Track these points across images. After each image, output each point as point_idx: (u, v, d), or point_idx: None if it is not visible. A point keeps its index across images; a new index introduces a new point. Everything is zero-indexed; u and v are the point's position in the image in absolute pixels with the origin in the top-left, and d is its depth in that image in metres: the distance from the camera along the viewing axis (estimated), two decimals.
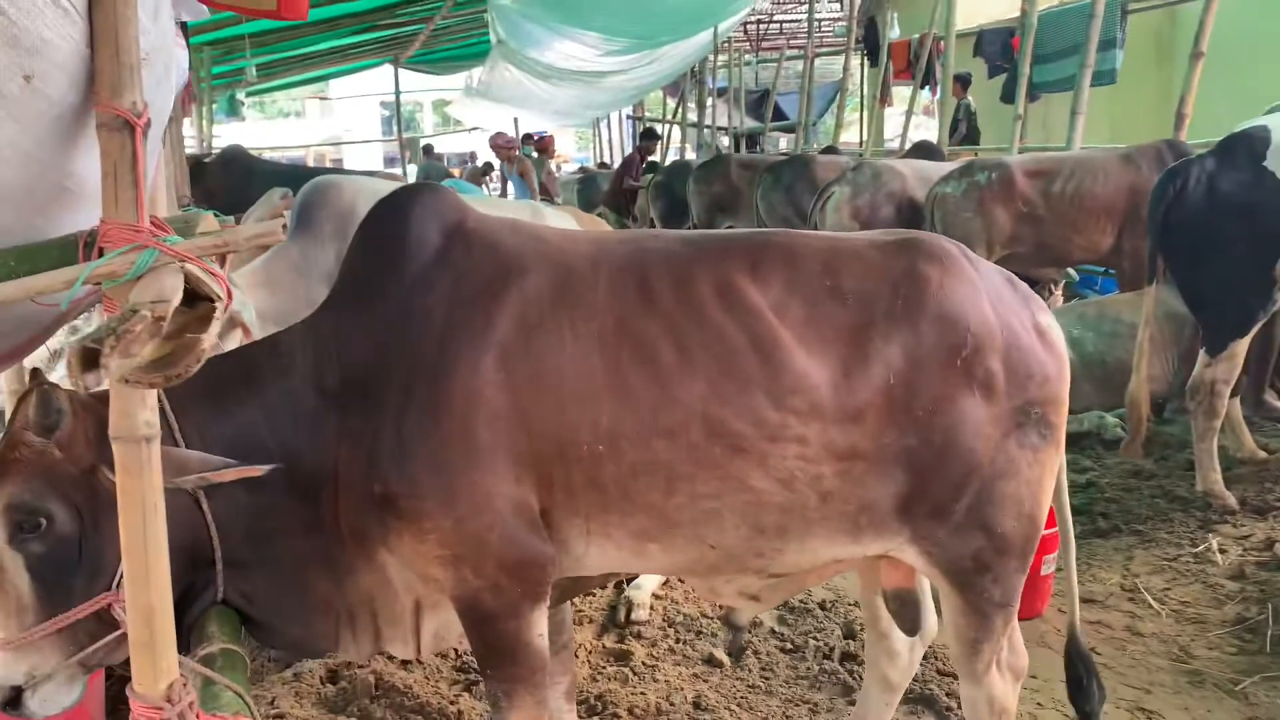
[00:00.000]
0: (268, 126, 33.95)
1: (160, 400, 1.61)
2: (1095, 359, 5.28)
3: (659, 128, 16.95)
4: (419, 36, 14.34)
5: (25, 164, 1.24)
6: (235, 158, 7.79)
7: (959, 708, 2.85)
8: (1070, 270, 6.87)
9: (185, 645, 1.68)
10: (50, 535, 1.65)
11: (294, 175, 6.50)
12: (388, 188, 3.80)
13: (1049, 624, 3.57)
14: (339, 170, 8.30)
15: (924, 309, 1.95)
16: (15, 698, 1.63)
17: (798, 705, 2.83)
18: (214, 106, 14.71)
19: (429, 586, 1.92)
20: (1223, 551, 3.86)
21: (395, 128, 20.36)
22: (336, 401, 1.86)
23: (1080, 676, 2.41)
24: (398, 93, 18.30)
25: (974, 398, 1.95)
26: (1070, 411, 5.35)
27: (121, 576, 1.53)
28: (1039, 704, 3.00)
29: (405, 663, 2.86)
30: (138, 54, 1.21)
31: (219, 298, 1.18)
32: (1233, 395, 4.39)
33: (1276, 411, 5.14)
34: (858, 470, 1.94)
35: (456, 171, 17.77)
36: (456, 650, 3.00)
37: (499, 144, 11.57)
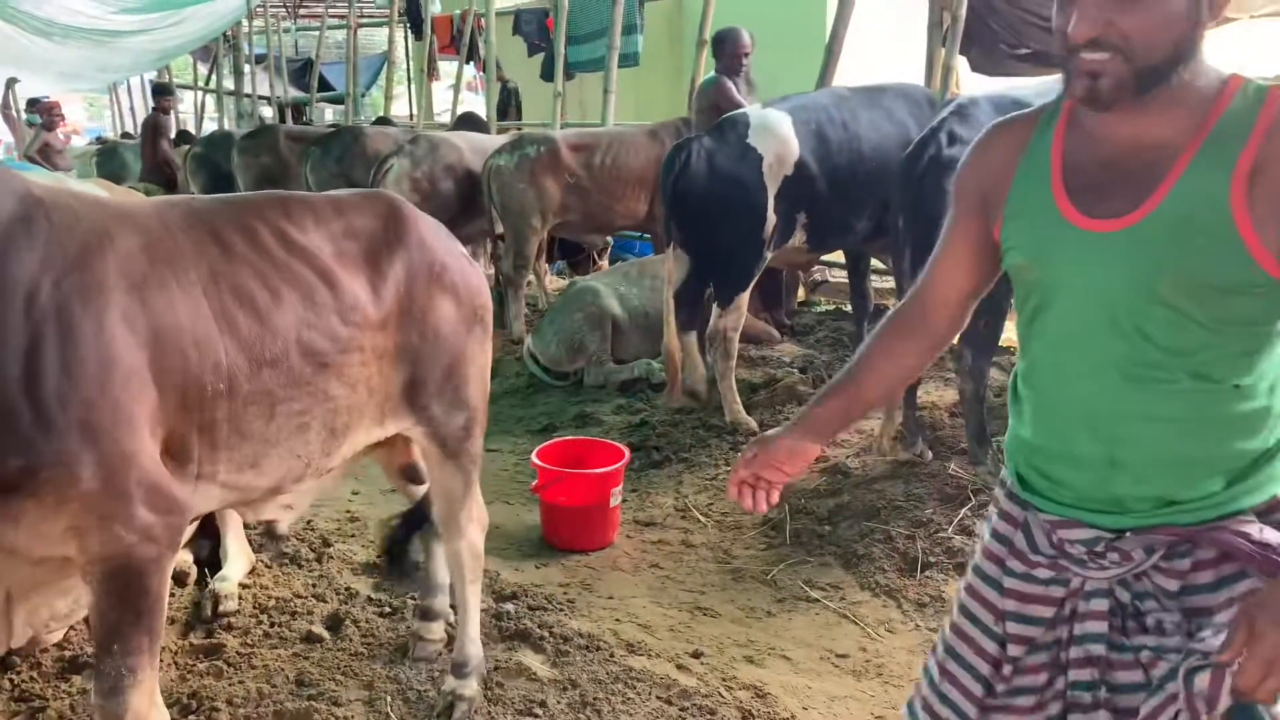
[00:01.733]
0: None
1: None
2: (639, 312, 5.91)
3: (190, 95, 15.60)
4: None
5: None
6: None
7: (550, 635, 3.12)
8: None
9: None
10: None
11: None
12: None
13: (620, 550, 4.00)
14: None
15: (409, 238, 2.45)
16: None
17: (399, 664, 2.92)
18: None
19: (40, 571, 1.91)
20: None
21: None
22: None
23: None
24: None
25: (448, 303, 2.49)
26: (620, 360, 6.01)
27: None
28: (617, 620, 3.37)
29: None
30: None
31: None
32: (685, 330, 5.04)
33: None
34: (385, 366, 2.38)
35: None
36: (12, 680, 2.68)
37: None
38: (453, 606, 2.91)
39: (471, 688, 2.73)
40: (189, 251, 2.06)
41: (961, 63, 6.53)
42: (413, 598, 3.30)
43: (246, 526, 3.54)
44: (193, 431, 2.01)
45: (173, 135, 11.36)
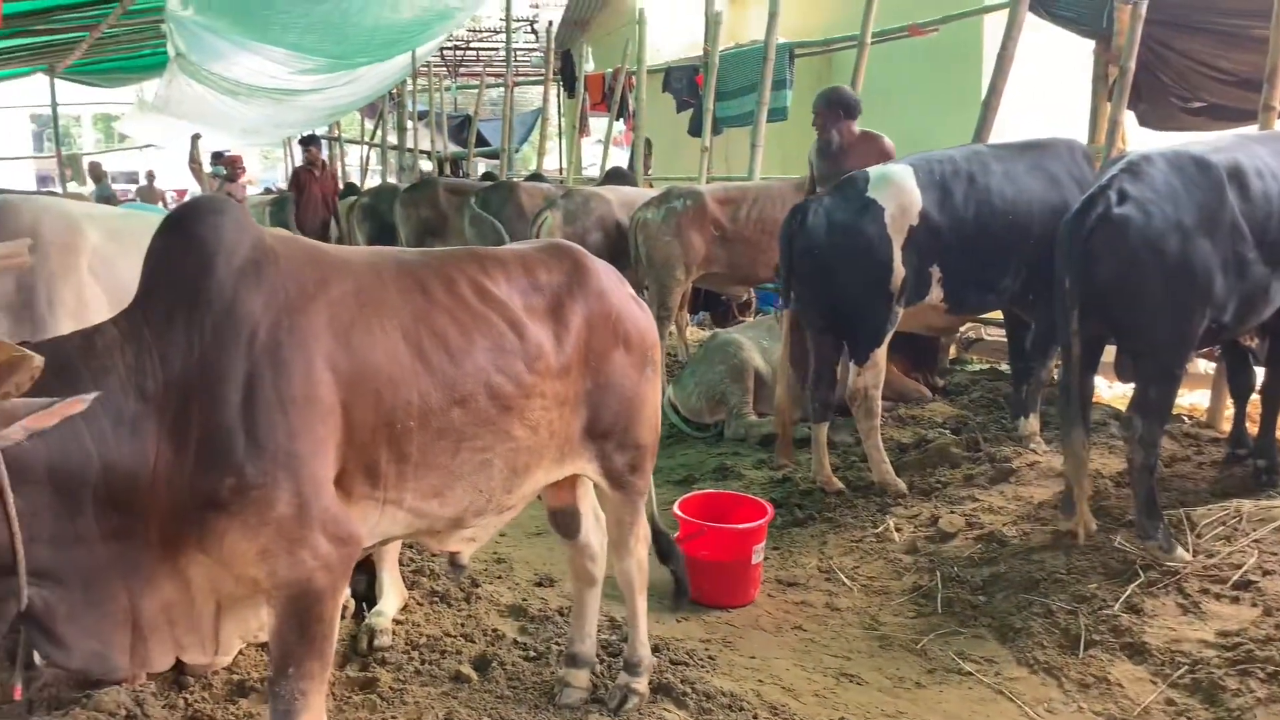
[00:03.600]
0: None
1: None
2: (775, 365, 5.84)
3: (356, 149, 16.53)
4: (81, 44, 13.01)
5: None
6: None
7: (692, 691, 3.08)
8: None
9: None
10: None
11: None
12: (77, 208, 3.49)
13: (761, 608, 3.93)
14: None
15: (589, 290, 2.62)
16: None
17: (543, 710, 2.93)
18: None
19: (240, 585, 2.02)
20: (898, 530, 4.43)
21: (50, 143, 18.31)
22: (157, 404, 1.91)
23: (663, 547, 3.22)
24: (55, 105, 16.48)
25: (620, 350, 2.66)
26: (762, 414, 5.95)
27: None
28: (760, 681, 3.30)
29: (130, 718, 2.65)
30: None
31: None
32: (819, 420, 4.91)
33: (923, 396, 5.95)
34: (565, 411, 2.55)
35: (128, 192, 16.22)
36: (186, 699, 2.82)
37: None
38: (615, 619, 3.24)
39: (643, 684, 2.99)
40: (394, 299, 2.26)
41: (1129, 117, 6.26)
42: (557, 643, 3.33)
43: (402, 564, 3.67)
44: (384, 461, 2.17)
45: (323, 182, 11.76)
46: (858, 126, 5.45)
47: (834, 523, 4.62)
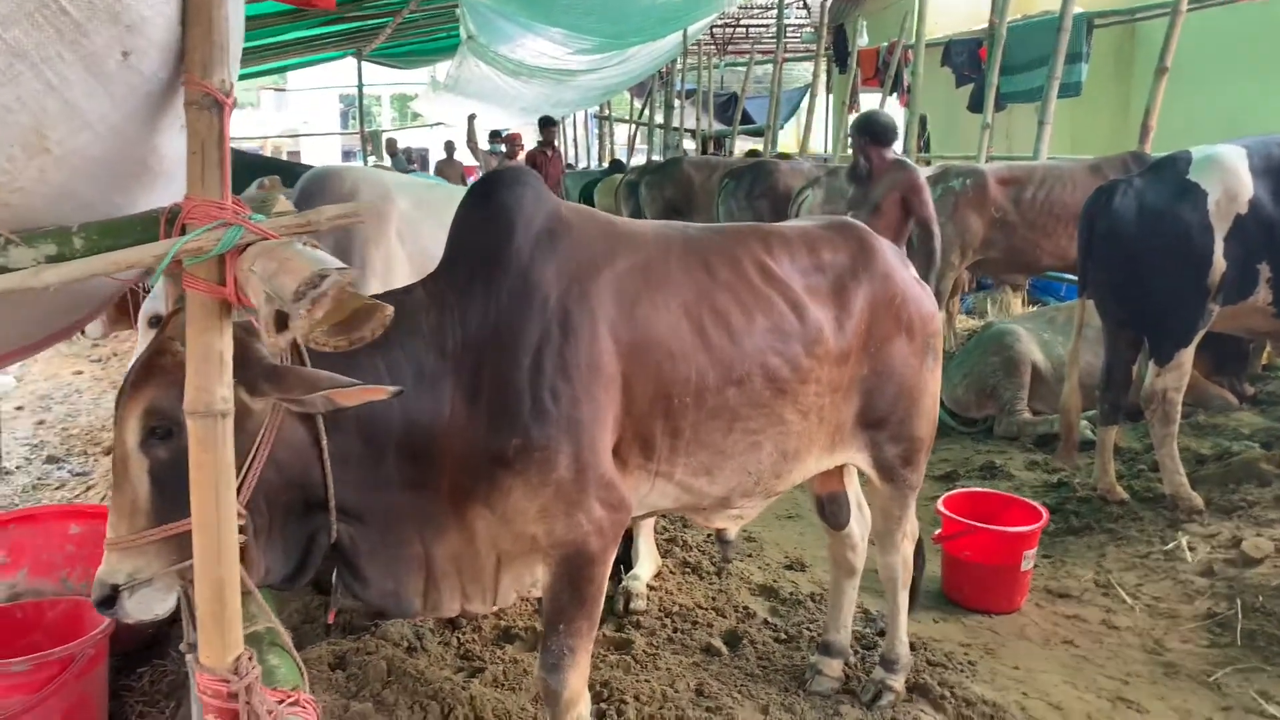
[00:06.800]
0: None
1: (298, 344, 1.78)
2: (1064, 361, 5.42)
3: (627, 128, 16.98)
4: (385, 29, 14.19)
5: (115, 139, 1.24)
6: None
7: (951, 696, 2.94)
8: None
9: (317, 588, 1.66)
10: (176, 444, 1.68)
11: (263, 166, 6.37)
12: (390, 178, 3.79)
13: (1027, 618, 3.67)
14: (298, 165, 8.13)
15: (873, 272, 2.51)
16: (112, 596, 1.66)
17: (794, 693, 2.89)
18: None
19: (519, 542, 2.08)
20: (1191, 549, 4.00)
21: (354, 121, 20.13)
22: (454, 363, 2.00)
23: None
24: (360, 86, 18.06)
25: (902, 336, 2.55)
26: (1038, 412, 5.55)
27: (237, 494, 1.63)
28: (1024, 693, 3.08)
29: (411, 649, 2.88)
30: (227, 32, 1.22)
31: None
32: (1107, 422, 4.51)
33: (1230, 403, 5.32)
34: (839, 398, 2.48)
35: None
36: (459, 638, 3.02)
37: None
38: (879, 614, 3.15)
39: (899, 682, 2.90)
40: (678, 274, 2.25)
41: None
42: (809, 628, 3.27)
43: (656, 532, 3.74)
44: (659, 433, 2.19)
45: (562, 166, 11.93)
46: (890, 153, 4.98)
47: (1115, 534, 4.25)
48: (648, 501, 2.29)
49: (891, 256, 2.61)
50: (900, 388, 2.57)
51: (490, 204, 2.14)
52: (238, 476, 1.71)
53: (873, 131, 4.96)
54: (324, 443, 1.84)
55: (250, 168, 6.28)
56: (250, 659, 1.39)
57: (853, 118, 6.32)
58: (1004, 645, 3.47)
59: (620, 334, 2.11)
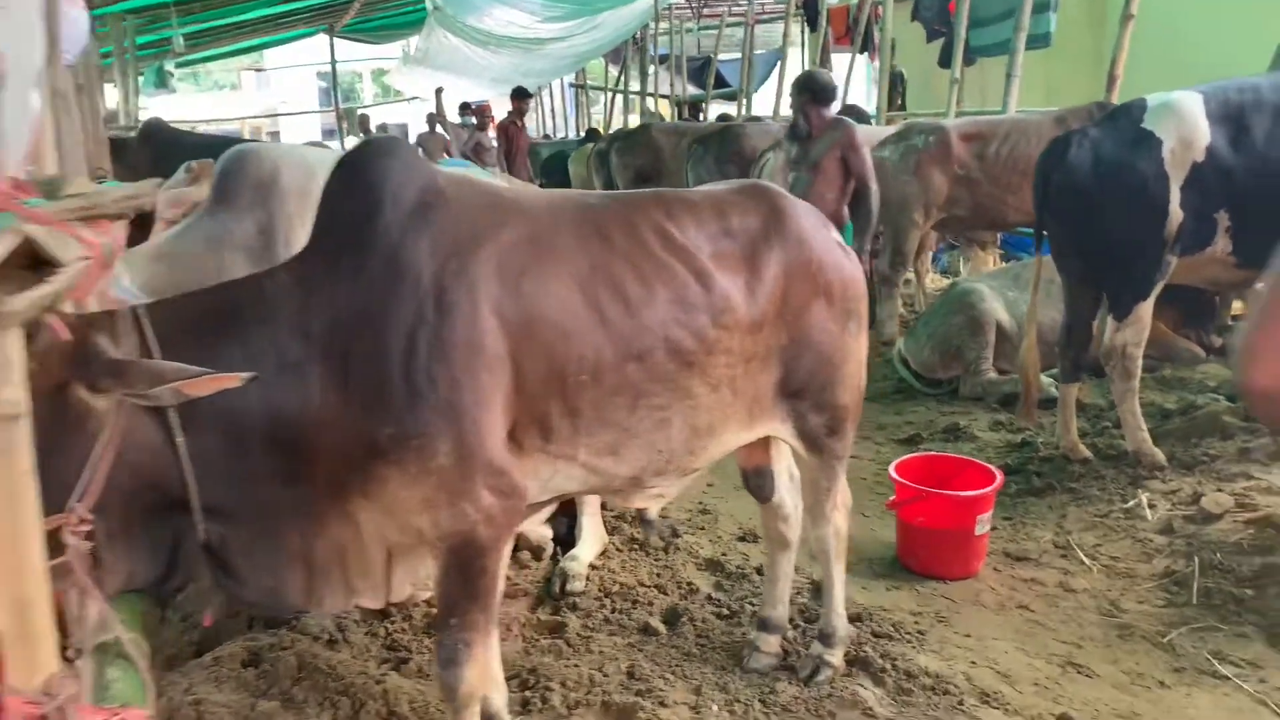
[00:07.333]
0: (202, 100, 33.01)
1: (144, 330, 1.73)
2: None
3: (602, 96, 16.75)
4: (353, 4, 13.97)
5: None
6: (156, 131, 7.50)
7: (893, 668, 2.87)
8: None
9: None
10: None
11: (220, 148, 6.23)
12: (314, 155, 3.66)
13: (983, 583, 3.60)
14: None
15: (786, 237, 2.41)
16: None
17: (730, 672, 2.81)
18: (140, 79, 14.22)
19: (405, 534, 1.99)
20: (1151, 507, 3.92)
21: (332, 99, 19.91)
22: (322, 348, 1.89)
23: None
24: (333, 62, 17.86)
25: (820, 301, 2.46)
26: (1003, 371, 5.46)
27: (80, 499, 1.59)
28: (973, 662, 3.01)
29: (331, 642, 2.80)
30: None
31: (63, 263, 1.09)
32: (1068, 380, 4.42)
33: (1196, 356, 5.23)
34: (755, 368, 2.38)
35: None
36: (386, 628, 2.95)
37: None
38: (817, 583, 3.09)
39: (837, 657, 2.83)
40: (571, 245, 2.14)
41: None
42: (752, 602, 3.20)
43: (604, 508, 3.65)
44: (555, 414, 2.09)
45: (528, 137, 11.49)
46: (829, 112, 4.93)
47: (1076, 494, 4.17)
48: (552, 485, 2.19)
49: (807, 220, 2.50)
50: (820, 355, 2.48)
51: (357, 177, 2.02)
52: (81, 479, 1.62)
53: (812, 90, 4.85)
54: (179, 439, 1.74)
55: (195, 149, 6.12)
56: (68, 678, 1.30)
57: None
58: (957, 612, 3.40)
59: (506, 311, 1.99)
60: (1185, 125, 4.01)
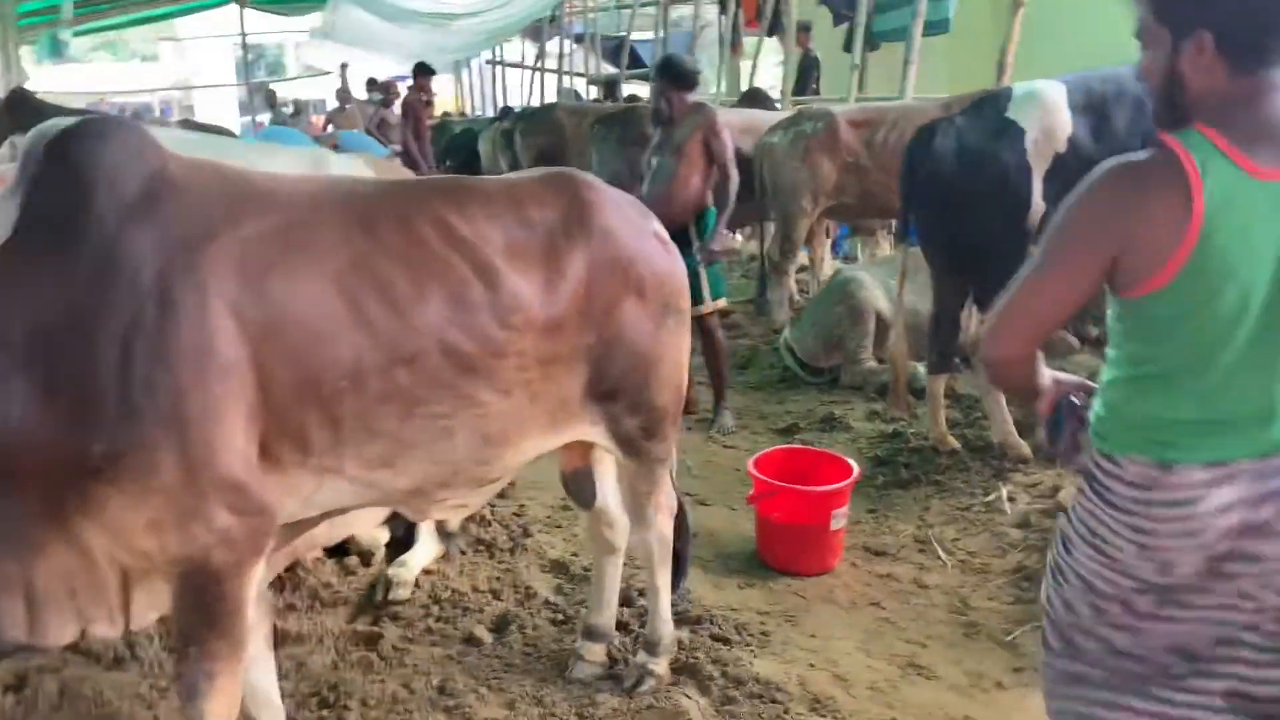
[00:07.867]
0: (120, 69, 31.82)
1: None
2: (909, 309, 5.28)
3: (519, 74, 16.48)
4: None
5: None
6: (21, 102, 7.08)
7: (722, 675, 2.77)
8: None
9: None
10: None
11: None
12: (158, 135, 3.42)
13: (839, 579, 3.53)
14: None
15: (590, 229, 2.26)
16: None
17: (551, 683, 2.69)
18: (33, 47, 13.56)
19: (136, 558, 1.81)
20: (1012, 500, 3.90)
21: (259, 73, 19.27)
22: (24, 355, 1.70)
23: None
24: (243, 34, 17.26)
25: (631, 298, 2.31)
26: (883, 360, 5.41)
27: None
28: (811, 665, 2.94)
29: (117, 660, 2.60)
30: None
31: None
32: (936, 371, 4.38)
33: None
34: (557, 371, 2.22)
35: (317, 120, 16.57)
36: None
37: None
38: (641, 592, 2.95)
39: (662, 665, 2.72)
40: (329, 238, 1.96)
41: None
42: (587, 608, 3.07)
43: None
44: (313, 425, 1.91)
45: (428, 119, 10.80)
46: (690, 96, 4.81)
47: (941, 486, 4.14)
48: (318, 500, 2.00)
49: (616, 211, 2.35)
50: (634, 355, 2.34)
51: (63, 164, 1.81)
52: None
53: (672, 74, 4.74)
54: None
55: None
56: None
57: (737, 61, 6.08)
58: (807, 611, 3.33)
59: (246, 311, 1.81)
60: (1049, 115, 3.98)
